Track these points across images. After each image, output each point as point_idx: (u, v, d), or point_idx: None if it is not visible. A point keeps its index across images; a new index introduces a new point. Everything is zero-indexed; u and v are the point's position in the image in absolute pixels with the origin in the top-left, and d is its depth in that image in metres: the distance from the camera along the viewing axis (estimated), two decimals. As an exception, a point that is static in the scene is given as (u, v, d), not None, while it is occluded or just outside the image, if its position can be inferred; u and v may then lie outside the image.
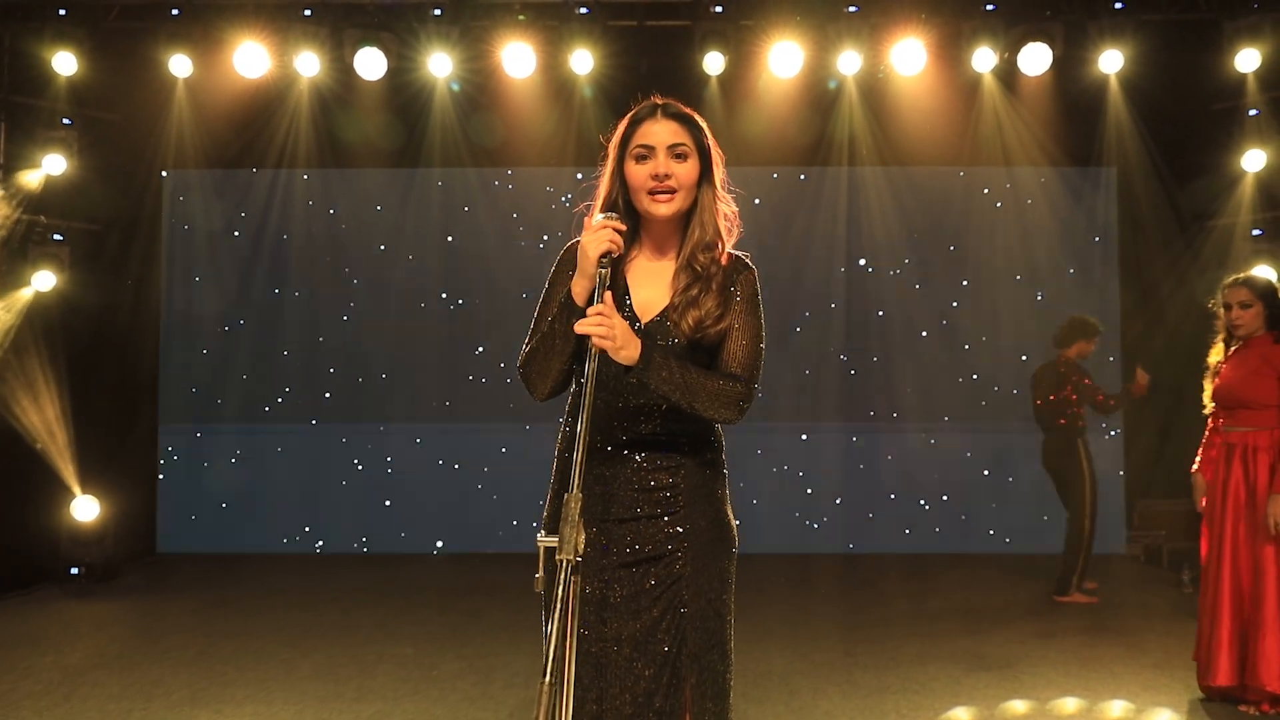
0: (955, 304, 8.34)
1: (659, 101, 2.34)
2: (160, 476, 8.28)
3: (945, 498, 8.26)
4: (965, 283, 8.34)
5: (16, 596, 6.61)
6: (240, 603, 6.51)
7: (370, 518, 8.27)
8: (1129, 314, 8.14)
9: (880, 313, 8.36)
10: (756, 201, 8.23)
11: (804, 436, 8.34)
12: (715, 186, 2.35)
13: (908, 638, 5.58)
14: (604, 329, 2.07)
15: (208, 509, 8.25)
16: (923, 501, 8.27)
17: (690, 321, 2.26)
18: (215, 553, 8.05)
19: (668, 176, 2.27)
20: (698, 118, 2.36)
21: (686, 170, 2.29)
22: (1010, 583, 7.06)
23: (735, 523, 2.37)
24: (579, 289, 2.21)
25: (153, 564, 7.86)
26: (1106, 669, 4.98)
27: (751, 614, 6.00)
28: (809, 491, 8.30)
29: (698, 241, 2.32)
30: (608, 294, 2.13)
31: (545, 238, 8.09)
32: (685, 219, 2.35)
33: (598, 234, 2.17)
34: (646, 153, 2.28)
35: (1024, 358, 8.12)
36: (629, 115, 2.35)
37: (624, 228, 2.22)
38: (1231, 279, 4.62)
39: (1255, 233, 6.99)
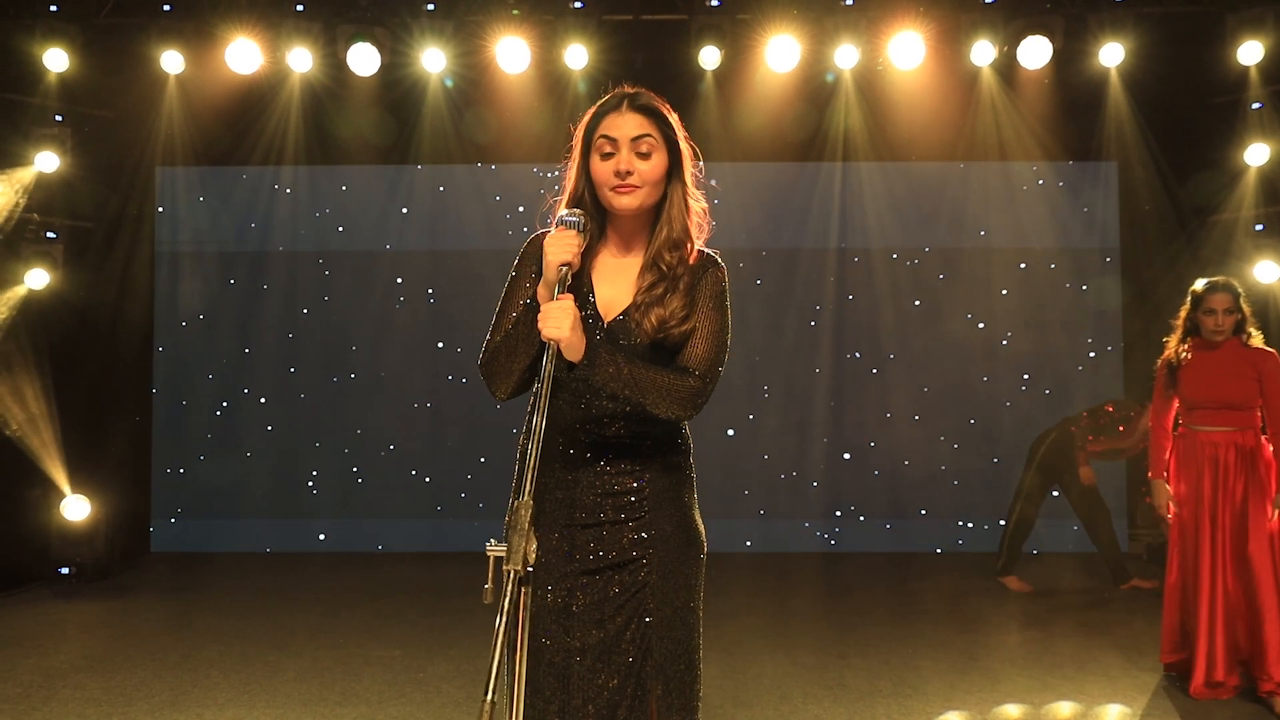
0: (953, 302, 8.22)
1: (628, 91, 2.26)
2: (154, 475, 8.22)
3: (944, 499, 8.16)
4: (963, 280, 8.22)
5: (4, 597, 6.56)
6: (228, 603, 6.45)
7: (357, 518, 8.19)
8: (1129, 309, 8.03)
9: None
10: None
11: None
12: (685, 183, 2.27)
13: (900, 640, 5.50)
14: (553, 321, 2.01)
15: (201, 508, 8.18)
16: (922, 510, 8.16)
17: (653, 321, 2.18)
18: (209, 552, 7.99)
19: (629, 174, 2.19)
20: (666, 110, 2.27)
21: (651, 166, 2.21)
22: (1005, 585, 6.96)
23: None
24: (543, 295, 2.15)
25: (145, 564, 7.80)
26: (1103, 672, 4.91)
27: (742, 616, 5.90)
28: (812, 494, 8.16)
29: (665, 239, 2.24)
30: (568, 296, 2.08)
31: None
32: (654, 215, 2.27)
33: (561, 244, 2.11)
34: (610, 146, 2.21)
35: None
36: (595, 106, 2.28)
37: (581, 249, 2.14)
38: (1208, 284, 4.57)
39: (1258, 228, 6.90)
